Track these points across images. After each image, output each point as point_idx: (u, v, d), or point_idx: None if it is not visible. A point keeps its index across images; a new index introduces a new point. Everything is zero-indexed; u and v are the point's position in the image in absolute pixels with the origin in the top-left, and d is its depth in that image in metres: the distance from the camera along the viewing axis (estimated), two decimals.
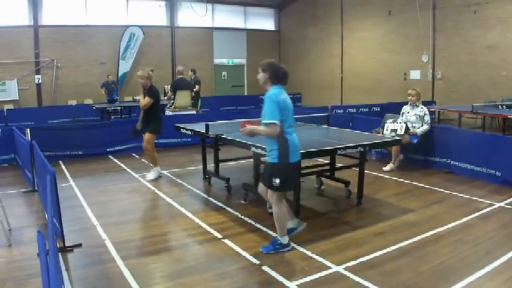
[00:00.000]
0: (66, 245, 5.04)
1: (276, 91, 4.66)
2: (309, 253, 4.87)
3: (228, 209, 6.51)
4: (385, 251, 4.90)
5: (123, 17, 19.85)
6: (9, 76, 17.64)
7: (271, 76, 4.73)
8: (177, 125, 8.46)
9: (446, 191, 7.27)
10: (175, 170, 9.11)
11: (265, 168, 4.87)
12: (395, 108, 9.77)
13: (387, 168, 8.68)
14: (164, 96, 17.46)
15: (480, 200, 6.74)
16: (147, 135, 8.28)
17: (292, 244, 5.08)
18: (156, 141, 11.34)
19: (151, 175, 8.36)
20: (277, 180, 4.68)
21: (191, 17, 20.28)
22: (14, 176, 8.75)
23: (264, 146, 5.76)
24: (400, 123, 8.58)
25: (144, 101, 8.17)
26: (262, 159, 5.09)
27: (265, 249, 4.91)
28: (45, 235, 3.77)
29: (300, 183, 5.96)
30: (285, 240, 4.92)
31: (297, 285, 4.13)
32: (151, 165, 8.65)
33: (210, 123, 7.43)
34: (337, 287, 4.11)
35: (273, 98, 4.57)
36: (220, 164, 7.93)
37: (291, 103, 4.79)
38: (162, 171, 8.76)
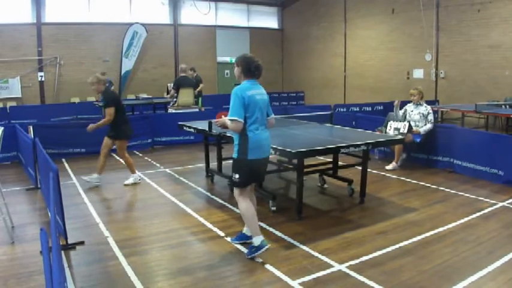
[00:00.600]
0: (69, 242, 5.05)
1: (244, 86, 4.63)
2: (311, 251, 4.87)
3: (231, 207, 6.50)
4: (387, 250, 4.89)
5: (126, 14, 19.87)
6: (12, 73, 17.68)
7: (243, 70, 4.69)
8: (179, 123, 8.46)
9: (449, 191, 7.26)
10: (178, 168, 9.11)
11: None
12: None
13: (390, 167, 8.67)
14: (167, 94, 17.51)
15: (483, 199, 6.73)
16: (117, 143, 7.64)
17: (296, 243, 5.09)
18: (159, 139, 11.47)
19: (129, 180, 7.84)
20: (236, 176, 4.69)
21: (194, 15, 20.27)
22: (17, 174, 8.77)
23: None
24: (403, 121, 8.58)
25: (106, 117, 7.40)
26: None
27: (247, 254, 4.78)
28: (48, 232, 3.78)
29: (302, 183, 5.95)
30: (257, 241, 4.68)
31: (299, 284, 4.13)
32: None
33: (213, 121, 7.44)
34: (340, 286, 4.11)
35: (238, 94, 4.54)
36: (223, 162, 7.94)
37: (263, 99, 4.71)
38: (165, 169, 8.77)
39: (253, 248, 4.71)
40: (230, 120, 4.55)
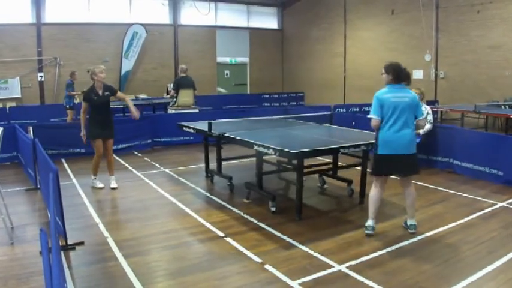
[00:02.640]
0: (69, 243, 5.05)
1: (383, 90, 5.29)
2: (311, 252, 4.87)
3: (231, 207, 6.51)
4: (387, 250, 4.90)
5: (126, 15, 19.84)
6: (12, 74, 17.65)
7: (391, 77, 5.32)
8: (179, 123, 8.46)
9: (448, 191, 7.27)
10: (178, 168, 9.11)
11: None
12: None
13: None
14: (167, 94, 17.49)
15: (482, 199, 6.73)
16: (111, 141, 7.74)
17: (295, 243, 5.10)
18: (159, 139, 11.47)
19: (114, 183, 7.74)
20: (370, 166, 5.47)
21: (194, 15, 20.25)
22: (16, 174, 8.76)
23: (266, 145, 5.80)
24: None
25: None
26: None
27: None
28: (48, 233, 3.78)
29: (302, 183, 5.95)
30: (367, 222, 5.38)
31: (299, 284, 4.13)
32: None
33: (212, 121, 7.44)
34: (339, 286, 4.12)
35: (376, 96, 5.27)
36: (223, 163, 7.94)
37: (402, 101, 5.15)
38: (164, 170, 8.80)
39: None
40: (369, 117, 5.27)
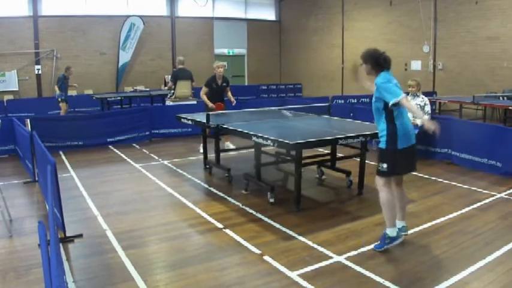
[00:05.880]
0: (67, 235, 5.04)
1: (387, 75, 4.64)
2: (310, 243, 4.87)
3: (229, 199, 6.51)
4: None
5: (123, 7, 19.73)
6: (9, 67, 17.58)
7: (374, 66, 4.71)
8: (177, 115, 8.44)
9: (447, 182, 7.27)
10: (176, 160, 9.10)
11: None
12: None
13: None
14: (164, 86, 17.43)
15: (481, 190, 6.74)
16: None
17: (294, 234, 5.10)
18: (157, 131, 11.48)
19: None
20: (385, 165, 4.58)
21: (191, 6, 20.18)
22: (15, 167, 8.75)
23: (264, 136, 5.78)
24: None
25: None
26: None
27: (377, 247, 4.69)
28: (46, 225, 3.77)
29: (300, 174, 5.94)
30: (392, 232, 4.64)
31: (298, 275, 4.13)
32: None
33: (210, 113, 7.42)
34: (338, 277, 4.12)
35: (388, 79, 4.58)
36: (221, 154, 7.93)
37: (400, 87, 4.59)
38: (163, 162, 8.80)
39: (386, 239, 4.64)
40: (398, 101, 4.41)
